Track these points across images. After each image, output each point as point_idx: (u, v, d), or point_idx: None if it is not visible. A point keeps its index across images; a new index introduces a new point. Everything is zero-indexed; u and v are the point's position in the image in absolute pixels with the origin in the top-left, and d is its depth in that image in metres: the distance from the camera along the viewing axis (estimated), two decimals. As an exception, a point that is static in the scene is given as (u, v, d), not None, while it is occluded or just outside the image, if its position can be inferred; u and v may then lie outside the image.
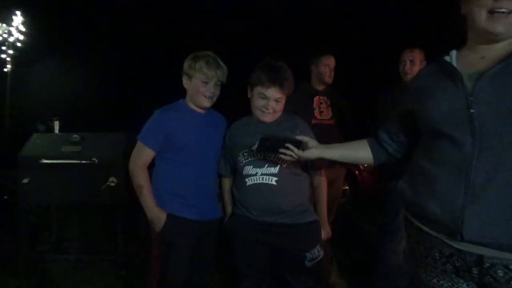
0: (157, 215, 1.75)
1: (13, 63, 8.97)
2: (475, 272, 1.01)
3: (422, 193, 1.11)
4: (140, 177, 1.76)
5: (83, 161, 2.71)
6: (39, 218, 3.25)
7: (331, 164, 2.28)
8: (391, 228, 2.38)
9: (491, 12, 1.02)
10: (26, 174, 2.69)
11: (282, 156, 1.49)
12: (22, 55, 9.05)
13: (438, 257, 1.08)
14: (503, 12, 1.00)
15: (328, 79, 2.67)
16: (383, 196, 2.48)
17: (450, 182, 1.02)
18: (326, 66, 2.65)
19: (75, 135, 2.90)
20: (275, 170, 1.68)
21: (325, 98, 2.71)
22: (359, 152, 1.41)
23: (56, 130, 3.33)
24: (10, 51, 8.85)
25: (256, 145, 1.61)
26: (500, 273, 0.97)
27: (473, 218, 0.97)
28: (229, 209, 1.90)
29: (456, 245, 1.03)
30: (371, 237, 3.35)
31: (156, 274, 1.81)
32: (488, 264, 0.98)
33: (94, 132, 3.10)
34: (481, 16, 1.04)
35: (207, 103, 1.84)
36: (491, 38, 1.05)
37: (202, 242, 1.84)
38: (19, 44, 8.90)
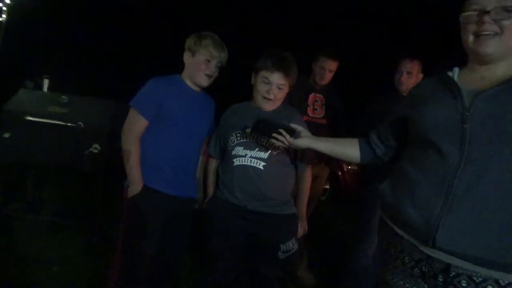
0: (135, 186, 1.74)
1: (8, 13, 8.67)
2: (440, 279, 1.04)
3: (402, 197, 1.14)
4: (133, 156, 1.73)
5: (68, 124, 2.67)
6: (17, 175, 3.20)
7: (317, 161, 2.30)
8: (364, 231, 2.42)
9: (477, 35, 1.07)
10: (7, 128, 2.64)
11: (274, 141, 1.50)
12: (19, 6, 8.74)
13: (407, 261, 1.12)
14: (488, 34, 1.05)
15: (320, 80, 2.67)
16: (362, 199, 2.52)
17: (431, 191, 1.06)
18: (322, 68, 2.65)
19: (64, 96, 2.84)
20: (264, 155, 1.70)
21: (321, 96, 2.71)
22: (348, 149, 1.43)
23: (45, 89, 3.25)
24: (7, 0, 8.54)
25: (250, 128, 1.63)
26: (464, 283, 1.01)
27: (447, 227, 1.01)
28: (211, 190, 1.91)
29: (427, 250, 1.06)
30: (344, 237, 3.42)
31: (121, 243, 1.81)
32: (453, 273, 1.02)
33: (84, 95, 3.04)
34: (468, 40, 1.10)
35: (205, 82, 1.84)
36: (483, 59, 1.09)
37: (174, 218, 1.84)
38: (16, -5, 8.59)
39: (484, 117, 1.01)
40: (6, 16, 8.65)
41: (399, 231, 1.14)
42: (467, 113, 1.03)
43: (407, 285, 1.12)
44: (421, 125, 1.13)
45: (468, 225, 0.99)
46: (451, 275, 1.02)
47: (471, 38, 1.09)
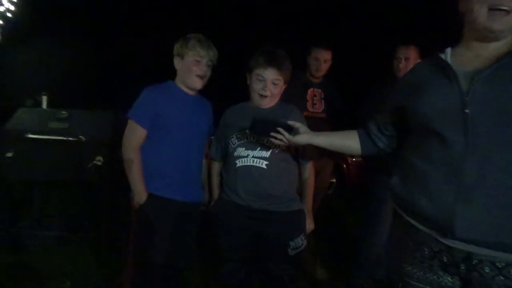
0: (140, 196, 1.75)
1: (2, 33, 8.72)
2: (462, 268, 1.03)
3: (414, 190, 1.12)
4: (134, 165, 1.73)
5: (70, 138, 2.68)
6: (22, 193, 3.21)
7: (320, 155, 2.29)
8: (373, 222, 2.41)
9: (492, 9, 1.02)
10: (10, 147, 2.65)
11: (273, 139, 1.50)
12: (12, 26, 8.79)
13: (427, 252, 1.09)
14: (503, 10, 1.01)
15: (315, 72, 2.66)
16: (368, 190, 2.51)
17: (442, 181, 1.03)
18: (316, 60, 2.63)
19: (63, 111, 2.85)
20: (266, 154, 1.69)
21: (319, 90, 2.70)
22: (347, 142, 1.42)
23: (44, 105, 3.28)
24: (0, 21, 8.59)
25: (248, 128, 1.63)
26: (487, 269, 1.00)
27: (464, 216, 0.99)
28: (216, 193, 1.90)
29: (447, 242, 1.04)
30: (354, 229, 3.40)
31: (132, 253, 1.81)
32: (476, 261, 1.01)
33: (82, 109, 3.05)
34: (481, 13, 1.04)
35: (198, 84, 1.84)
36: (489, 35, 1.06)
37: (182, 223, 1.83)
38: (9, 15, 8.64)
39: (484, 100, 0.99)
40: (0, 37, 8.70)
41: (415, 223, 1.12)
42: (466, 98, 1.00)
43: (427, 275, 1.10)
44: (421, 114, 1.10)
45: (484, 211, 0.97)
46: (473, 262, 1.01)
47: (484, 11, 1.03)
